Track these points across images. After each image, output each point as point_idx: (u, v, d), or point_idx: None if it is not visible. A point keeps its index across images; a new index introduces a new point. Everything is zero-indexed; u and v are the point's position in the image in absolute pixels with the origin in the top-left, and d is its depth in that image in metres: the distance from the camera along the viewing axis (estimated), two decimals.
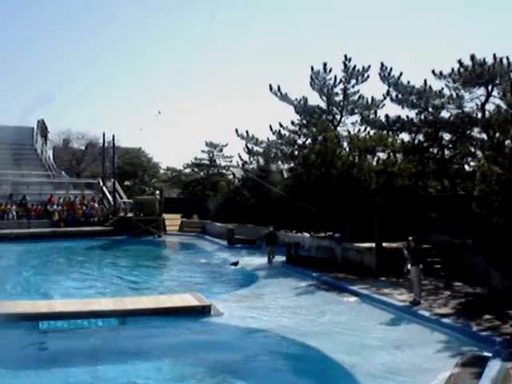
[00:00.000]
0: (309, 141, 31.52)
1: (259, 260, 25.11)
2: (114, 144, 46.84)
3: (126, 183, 55.36)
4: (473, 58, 22.18)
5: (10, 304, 14.94)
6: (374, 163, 26.57)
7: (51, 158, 53.15)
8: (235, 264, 23.60)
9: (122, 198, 45.23)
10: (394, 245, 21.83)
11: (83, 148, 63.42)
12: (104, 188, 45.73)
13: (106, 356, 11.41)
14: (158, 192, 45.84)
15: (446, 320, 13.70)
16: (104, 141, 47.53)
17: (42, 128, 52.91)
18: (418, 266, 15.45)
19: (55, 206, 40.45)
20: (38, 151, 52.91)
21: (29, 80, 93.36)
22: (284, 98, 33.03)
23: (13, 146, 51.03)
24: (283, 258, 23.88)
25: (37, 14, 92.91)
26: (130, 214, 41.09)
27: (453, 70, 22.92)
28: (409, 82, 25.15)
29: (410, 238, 15.87)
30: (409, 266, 15.63)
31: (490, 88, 22.76)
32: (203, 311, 14.75)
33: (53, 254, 30.01)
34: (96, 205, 42.50)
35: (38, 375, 10.25)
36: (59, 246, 32.53)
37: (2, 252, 29.10)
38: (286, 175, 34.15)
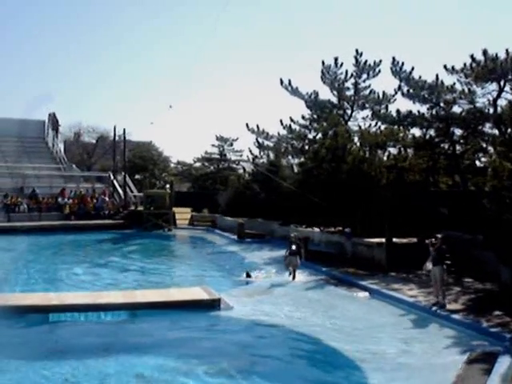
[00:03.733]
0: (319, 135, 31.39)
1: (268, 254, 25.16)
2: (124, 137, 46.95)
3: (137, 177, 55.49)
4: (485, 53, 22.02)
5: (21, 296, 15.06)
6: (385, 158, 26.46)
7: (62, 151, 53.35)
8: (248, 275, 20.18)
9: (132, 191, 45.40)
10: (405, 240, 21.79)
11: (94, 141, 63.59)
12: (115, 181, 45.91)
13: (116, 349, 11.45)
14: (168, 186, 45.97)
15: (456, 316, 13.68)
16: (115, 134, 47.71)
17: (53, 121, 53.06)
18: (441, 266, 14.83)
19: (66, 199, 40.62)
20: (49, 144, 53.11)
21: (39, 73, 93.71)
22: (295, 92, 32.91)
23: (24, 139, 51.27)
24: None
25: (48, 5, 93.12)
26: (140, 208, 41.24)
27: (465, 64, 22.77)
28: (420, 77, 25.03)
29: (438, 236, 15.38)
30: (429, 265, 15.23)
31: (502, 83, 22.59)
32: (213, 305, 14.77)
33: (63, 247, 30.18)
34: (107, 198, 42.64)
35: (48, 367, 10.28)
36: (70, 239, 32.67)
37: (14, 244, 29.31)
38: (296, 170, 34.08)
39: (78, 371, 10.19)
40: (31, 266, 22.83)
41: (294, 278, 19.23)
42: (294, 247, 19.67)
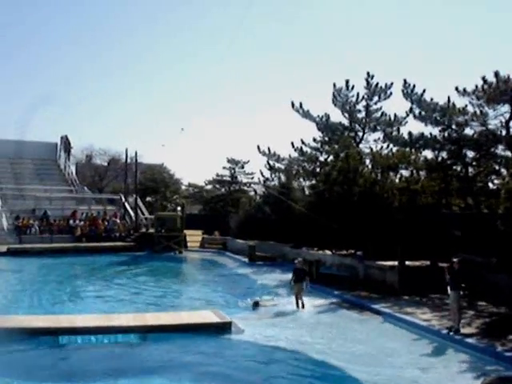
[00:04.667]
0: (331, 158, 31.41)
1: (280, 277, 25.03)
2: (136, 160, 47.13)
3: (148, 199, 55.59)
4: (497, 74, 21.97)
5: (31, 318, 14.97)
6: (397, 180, 26.37)
7: (74, 173, 53.66)
8: (256, 304, 18.84)
9: (143, 213, 45.44)
10: (418, 263, 21.63)
11: (106, 164, 63.91)
12: (126, 204, 46.02)
13: (126, 372, 11.38)
14: (179, 208, 45.99)
15: (469, 340, 13.50)
16: (126, 157, 47.95)
17: (66, 144, 53.49)
18: (458, 291, 14.40)
19: (78, 221, 40.75)
20: (61, 166, 53.49)
21: (51, 94, 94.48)
22: (306, 114, 33.02)
23: (36, 161, 51.70)
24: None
25: (59, 23, 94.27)
26: (151, 230, 41.16)
27: (476, 86, 22.71)
28: (432, 99, 25.05)
29: (455, 260, 14.92)
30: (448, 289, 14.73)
31: None
32: (224, 328, 14.64)
33: (74, 269, 30.12)
34: (118, 220, 42.74)
35: None
36: (81, 261, 32.64)
37: (25, 266, 29.34)
38: (307, 192, 34.04)
39: None
40: (42, 288, 22.80)
41: (303, 306, 18.24)
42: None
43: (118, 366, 11.84)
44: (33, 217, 40.44)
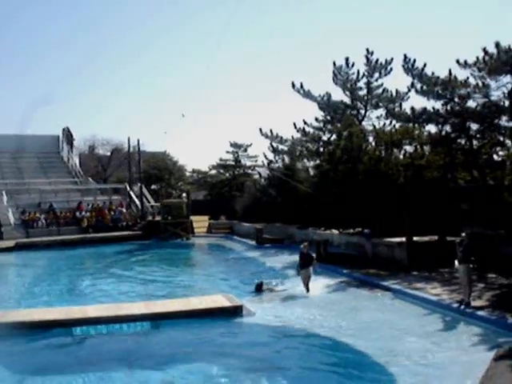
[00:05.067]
0: (334, 137, 31.30)
1: (288, 258, 25.06)
2: (139, 148, 47.09)
3: (153, 187, 55.71)
4: (498, 45, 21.72)
5: (44, 311, 15.04)
6: (401, 157, 26.26)
7: (77, 164, 53.70)
8: (259, 287, 18.43)
9: (149, 201, 45.52)
10: (426, 238, 21.60)
11: (109, 154, 63.92)
12: (131, 193, 46.08)
13: (141, 359, 11.42)
14: (184, 195, 46.02)
15: (481, 312, 13.48)
16: (129, 146, 47.89)
17: (68, 135, 53.51)
18: (467, 265, 14.35)
19: (84, 213, 40.83)
20: (64, 159, 53.58)
21: (51, 86, 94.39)
22: (307, 94, 32.85)
23: (40, 155, 51.83)
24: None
25: (63, 18, 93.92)
26: (157, 218, 41.28)
27: (478, 58, 22.47)
28: (433, 73, 24.79)
29: (463, 234, 14.89)
30: (456, 263, 14.73)
31: None
32: (235, 312, 14.67)
33: (83, 260, 30.28)
34: (124, 210, 42.84)
35: (74, 380, 10.26)
36: (89, 252, 32.78)
37: (34, 259, 29.46)
38: (312, 172, 33.98)
39: (104, 383, 10.16)
40: (53, 280, 22.90)
41: (307, 290, 17.71)
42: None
43: (132, 354, 11.87)
44: (39, 210, 40.56)
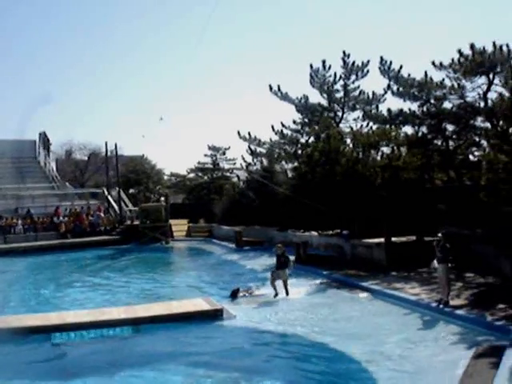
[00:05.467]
0: (312, 139, 31.45)
1: (268, 260, 25.07)
2: (116, 152, 46.78)
3: (131, 191, 55.34)
4: (472, 46, 22.00)
5: (22, 318, 14.90)
6: (379, 158, 26.43)
7: (55, 169, 53.25)
8: (234, 294, 17.82)
9: (127, 206, 45.24)
10: (404, 239, 21.78)
11: (86, 158, 63.48)
12: (109, 197, 45.73)
13: (122, 365, 11.36)
14: (163, 198, 45.81)
15: (460, 311, 13.63)
16: (107, 150, 47.52)
17: (44, 140, 53.05)
18: (446, 264, 14.56)
19: (61, 218, 40.50)
20: (41, 163, 53.04)
21: (29, 91, 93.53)
22: (284, 97, 32.95)
23: (15, 160, 51.19)
24: (292, 258, 23.86)
25: (43, 23, 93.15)
26: (136, 222, 41.05)
27: (453, 60, 22.74)
28: (409, 75, 25.03)
29: (440, 235, 15.06)
30: (435, 263, 14.89)
31: (491, 76, 22.55)
32: (216, 315, 14.68)
33: (61, 266, 29.98)
34: (102, 214, 42.51)
35: None
36: (67, 257, 32.48)
37: (11, 266, 29.13)
38: (290, 175, 34.08)
39: None
40: (30, 287, 22.69)
41: (287, 293, 17.39)
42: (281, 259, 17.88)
43: (112, 359, 11.82)
44: (16, 216, 40.11)
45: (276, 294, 17.37)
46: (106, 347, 12.93)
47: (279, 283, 17.67)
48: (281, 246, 18.70)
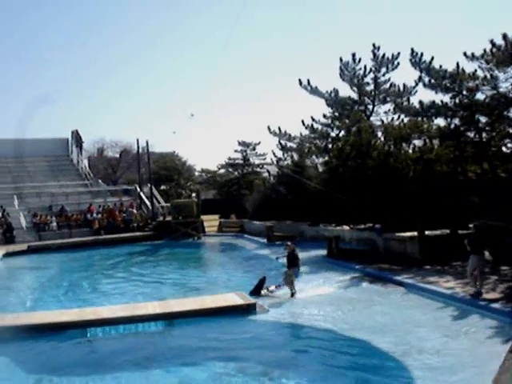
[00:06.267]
0: (342, 133, 31.29)
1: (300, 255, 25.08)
2: (148, 149, 47.19)
3: (163, 187, 55.88)
4: (505, 37, 21.66)
5: (57, 313, 15.10)
6: (410, 151, 26.22)
7: (87, 167, 53.91)
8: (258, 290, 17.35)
9: (159, 202, 45.65)
10: (437, 232, 21.55)
11: (118, 156, 64.15)
12: (141, 193, 46.22)
13: (156, 359, 11.44)
14: (194, 194, 46.11)
15: (495, 305, 13.43)
16: (138, 147, 48.02)
17: (77, 138, 53.74)
18: (478, 255, 14.46)
19: (95, 215, 41.01)
20: (74, 161, 53.77)
21: (61, 88, 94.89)
22: (314, 91, 32.82)
23: (49, 158, 52.08)
24: (323, 252, 23.86)
25: (70, 19, 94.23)
26: (168, 218, 41.39)
27: (485, 50, 22.45)
28: (441, 66, 24.75)
29: (471, 226, 14.99)
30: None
31: None
32: (248, 309, 14.70)
33: (96, 262, 30.34)
34: (134, 211, 42.94)
35: (90, 381, 10.32)
36: (101, 254, 32.85)
37: (48, 262, 29.58)
38: (321, 169, 33.97)
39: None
40: (65, 283, 22.98)
41: (292, 295, 16.75)
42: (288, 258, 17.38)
43: (147, 354, 11.89)
44: (50, 213, 40.73)
45: (292, 294, 16.81)
46: (141, 342, 13.03)
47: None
48: (290, 244, 18.08)
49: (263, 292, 17.40)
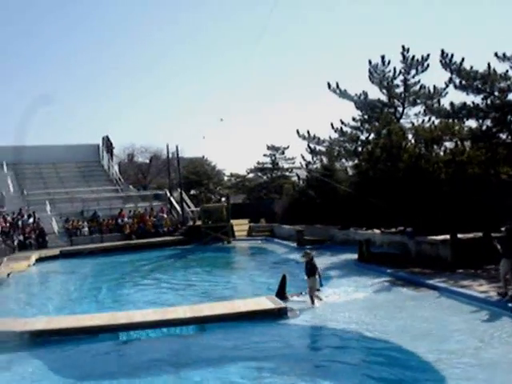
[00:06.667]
0: (372, 136, 31.12)
1: (330, 259, 25.04)
2: (178, 154, 47.46)
3: (192, 192, 56.12)
4: None
5: (90, 317, 15.25)
6: (442, 153, 25.95)
7: (118, 172, 54.43)
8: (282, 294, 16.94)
9: (189, 207, 45.87)
10: (470, 235, 21.23)
11: (147, 161, 64.63)
12: (171, 198, 46.51)
13: (188, 363, 11.47)
14: (223, 199, 46.23)
15: None
16: (168, 152, 48.35)
17: (107, 144, 54.25)
18: (509, 259, 14.27)
19: (126, 219, 41.36)
20: (104, 167, 54.30)
21: (92, 94, 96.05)
22: (343, 94, 32.74)
23: (81, 164, 52.68)
24: (354, 256, 23.72)
25: (96, 21, 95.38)
26: (198, 223, 41.55)
27: None
28: (472, 67, 24.49)
29: (503, 229, 14.78)
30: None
31: None
32: (280, 313, 14.65)
33: (128, 266, 30.53)
34: (165, 215, 43.20)
35: None
36: (132, 258, 33.06)
37: (78, 267, 29.89)
38: (350, 172, 33.82)
39: None
40: (97, 287, 23.18)
41: (312, 302, 16.10)
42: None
43: (179, 358, 11.94)
44: (82, 218, 41.18)
45: (312, 302, 16.09)
46: (172, 346, 13.08)
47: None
48: (309, 252, 17.39)
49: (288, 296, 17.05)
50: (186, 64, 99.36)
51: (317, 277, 16.59)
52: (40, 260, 32.38)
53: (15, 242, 35.54)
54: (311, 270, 16.54)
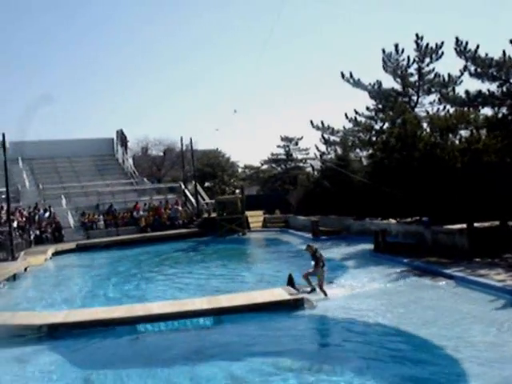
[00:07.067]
0: (386, 125, 30.96)
1: (346, 250, 25.00)
2: (192, 147, 47.55)
3: (206, 184, 56.20)
4: None
5: (108, 309, 15.35)
6: (457, 142, 25.75)
7: (132, 166, 54.60)
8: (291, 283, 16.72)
9: (203, 199, 45.98)
10: (487, 224, 21.11)
11: (162, 154, 64.74)
12: (186, 191, 46.65)
13: (205, 355, 11.50)
14: (238, 191, 46.25)
15: None
16: (182, 145, 48.43)
17: (122, 137, 54.40)
18: None
19: (141, 212, 41.53)
20: (119, 160, 54.50)
21: (105, 89, 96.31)
22: (357, 83, 32.60)
23: (95, 158, 52.90)
24: (370, 247, 23.66)
25: (119, 16, 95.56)
26: (213, 215, 41.66)
27: None
28: (487, 55, 24.27)
29: None
30: None
31: None
32: (296, 304, 14.65)
33: (144, 259, 30.65)
34: (180, 208, 43.33)
35: (141, 377, 10.43)
36: (149, 251, 33.18)
37: (95, 260, 30.08)
38: (365, 162, 33.69)
39: (170, 379, 10.28)
40: (115, 279, 23.28)
41: (325, 294, 15.91)
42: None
43: (197, 349, 11.97)
44: (97, 212, 41.41)
45: (325, 294, 15.89)
46: (190, 337, 13.14)
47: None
48: (311, 245, 17.49)
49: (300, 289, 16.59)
50: (201, 62, 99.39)
51: (325, 268, 16.43)
52: (56, 254, 32.62)
53: (32, 237, 35.76)
54: (317, 262, 16.48)
